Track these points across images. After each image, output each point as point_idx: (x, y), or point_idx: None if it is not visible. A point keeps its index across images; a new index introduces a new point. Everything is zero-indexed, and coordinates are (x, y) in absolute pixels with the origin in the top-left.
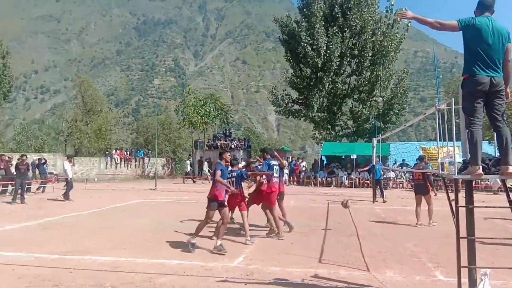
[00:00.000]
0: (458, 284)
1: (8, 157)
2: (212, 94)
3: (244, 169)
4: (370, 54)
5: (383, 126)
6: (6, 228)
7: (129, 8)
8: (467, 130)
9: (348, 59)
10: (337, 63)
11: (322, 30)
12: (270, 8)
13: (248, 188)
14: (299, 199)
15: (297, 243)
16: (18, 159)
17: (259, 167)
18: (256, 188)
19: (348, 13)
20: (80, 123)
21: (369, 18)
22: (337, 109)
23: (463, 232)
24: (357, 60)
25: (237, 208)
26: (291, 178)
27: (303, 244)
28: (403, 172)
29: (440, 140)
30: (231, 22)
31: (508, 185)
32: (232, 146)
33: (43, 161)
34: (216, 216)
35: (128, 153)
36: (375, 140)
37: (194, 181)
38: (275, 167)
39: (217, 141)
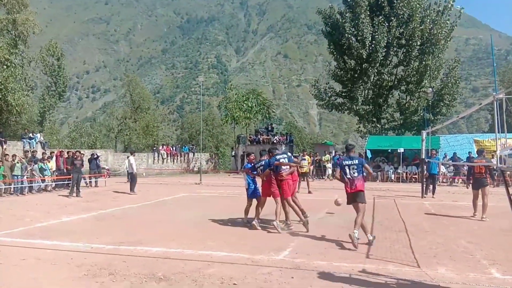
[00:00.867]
0: None
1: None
2: (254, 90)
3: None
4: (418, 43)
5: (433, 118)
6: (64, 220)
7: (173, 7)
8: None
9: (394, 49)
10: (383, 53)
11: (367, 20)
12: (312, 0)
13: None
14: (343, 194)
15: (344, 238)
16: (72, 155)
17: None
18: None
19: (395, 1)
20: (129, 120)
21: (417, 5)
22: (383, 101)
23: None
24: (405, 50)
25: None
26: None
27: (349, 239)
28: (459, 166)
29: (498, 132)
30: (273, 17)
31: None
32: (274, 141)
33: (95, 156)
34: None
35: (174, 148)
36: (424, 133)
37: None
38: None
39: (259, 136)
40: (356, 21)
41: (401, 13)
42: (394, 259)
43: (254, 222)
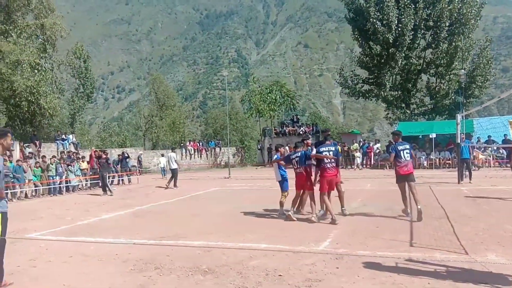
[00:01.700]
0: None
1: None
2: (277, 81)
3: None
4: (447, 24)
5: (465, 101)
6: (103, 217)
7: (192, 4)
8: None
9: (422, 31)
10: (411, 37)
11: (393, 3)
12: None
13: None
14: (375, 182)
15: (383, 227)
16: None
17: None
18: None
19: None
20: (156, 118)
21: None
22: (412, 86)
23: None
24: (433, 32)
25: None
26: (364, 161)
27: (389, 228)
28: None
29: None
30: (291, 7)
31: None
32: (300, 132)
33: (126, 155)
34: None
35: (200, 144)
36: (459, 116)
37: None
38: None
39: (284, 128)
40: (381, 5)
41: None
42: (439, 247)
43: (290, 213)
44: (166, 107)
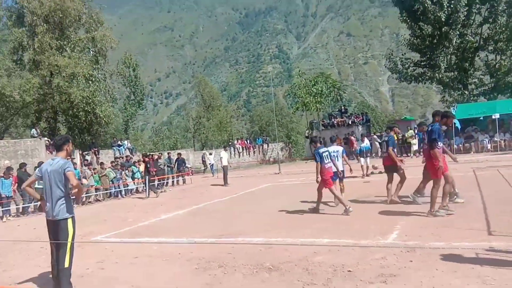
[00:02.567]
0: None
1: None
2: (322, 73)
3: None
4: None
5: None
6: (163, 218)
7: (231, 5)
8: None
9: (477, 6)
10: (465, 13)
11: None
12: None
13: None
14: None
15: (455, 216)
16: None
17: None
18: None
19: None
20: (203, 119)
21: None
22: (469, 66)
23: None
24: (489, 6)
25: None
26: (421, 148)
27: (462, 217)
28: None
29: None
30: None
31: None
32: (350, 122)
33: (180, 157)
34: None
35: (248, 142)
36: None
37: None
38: (324, 154)
39: (333, 120)
40: None
41: None
42: None
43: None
44: (212, 108)
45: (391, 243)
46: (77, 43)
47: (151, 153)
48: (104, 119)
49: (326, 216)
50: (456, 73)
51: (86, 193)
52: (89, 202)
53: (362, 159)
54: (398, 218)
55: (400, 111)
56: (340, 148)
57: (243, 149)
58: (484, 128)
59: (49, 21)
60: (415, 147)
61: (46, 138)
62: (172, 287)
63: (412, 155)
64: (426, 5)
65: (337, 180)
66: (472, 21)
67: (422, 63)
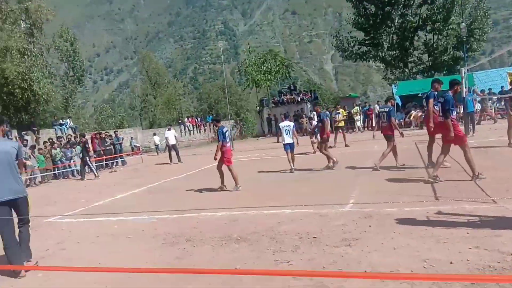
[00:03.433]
0: None
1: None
2: (271, 50)
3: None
4: None
5: (463, 55)
6: (118, 197)
7: None
8: None
9: None
10: None
11: None
12: None
13: None
14: (382, 144)
15: (403, 185)
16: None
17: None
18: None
19: None
20: (150, 96)
21: None
22: (409, 45)
23: None
24: None
25: None
26: (365, 123)
27: (410, 185)
28: (494, 101)
29: None
30: None
31: None
32: (299, 99)
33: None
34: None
35: (198, 119)
36: (464, 70)
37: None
38: (226, 133)
39: (283, 97)
40: None
41: None
42: (466, 198)
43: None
44: (158, 85)
45: (348, 211)
46: (9, 15)
47: (98, 132)
48: (43, 96)
49: (285, 190)
50: (397, 52)
51: (30, 175)
52: (35, 184)
53: (314, 136)
54: (351, 188)
55: (344, 89)
56: (291, 123)
57: (193, 127)
58: (422, 104)
59: None
60: (358, 123)
61: None
62: (141, 262)
63: (357, 129)
64: None
65: (289, 150)
66: (412, 1)
67: (366, 42)
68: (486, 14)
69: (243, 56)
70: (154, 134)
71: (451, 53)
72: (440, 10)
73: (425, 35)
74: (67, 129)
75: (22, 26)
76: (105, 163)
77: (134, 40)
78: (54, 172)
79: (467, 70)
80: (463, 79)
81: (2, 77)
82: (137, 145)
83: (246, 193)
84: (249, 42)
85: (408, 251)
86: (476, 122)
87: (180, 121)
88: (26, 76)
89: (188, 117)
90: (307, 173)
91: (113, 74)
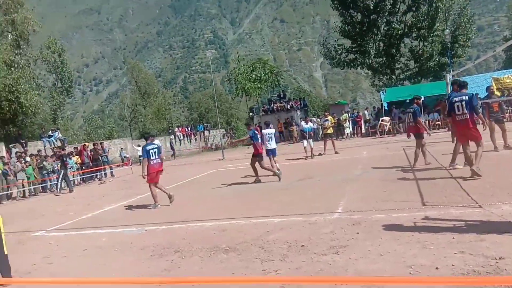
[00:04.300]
0: None
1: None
2: (260, 58)
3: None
4: None
5: (448, 62)
6: (106, 209)
7: None
8: None
9: None
10: (391, 1)
11: None
12: None
13: None
14: (371, 149)
15: (391, 190)
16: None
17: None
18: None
19: None
20: (140, 106)
21: None
22: (395, 52)
23: None
24: None
25: None
26: (354, 130)
27: (397, 191)
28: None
29: None
30: None
31: None
32: (288, 107)
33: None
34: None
35: (189, 129)
36: (449, 76)
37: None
38: (151, 151)
39: (272, 105)
40: None
41: None
42: (452, 203)
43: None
44: (148, 95)
45: (337, 218)
46: None
47: (84, 143)
48: (30, 108)
49: (274, 198)
50: (384, 58)
51: (17, 188)
52: (22, 197)
53: (305, 141)
54: (340, 195)
55: (333, 96)
56: (273, 130)
57: (184, 137)
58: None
59: None
60: (348, 130)
61: None
62: (129, 275)
63: (346, 137)
64: None
65: (271, 156)
66: (397, 9)
67: (354, 49)
68: (470, 20)
69: (233, 64)
70: (139, 146)
71: (437, 59)
72: (425, 17)
73: (411, 42)
74: (56, 140)
75: (8, 38)
76: (96, 175)
77: (123, 50)
78: (43, 185)
79: (453, 76)
80: (448, 85)
81: None
82: (127, 155)
83: (236, 203)
84: (238, 51)
85: (394, 257)
86: None
87: (170, 130)
88: (13, 88)
89: (178, 127)
90: (296, 181)
91: (102, 84)
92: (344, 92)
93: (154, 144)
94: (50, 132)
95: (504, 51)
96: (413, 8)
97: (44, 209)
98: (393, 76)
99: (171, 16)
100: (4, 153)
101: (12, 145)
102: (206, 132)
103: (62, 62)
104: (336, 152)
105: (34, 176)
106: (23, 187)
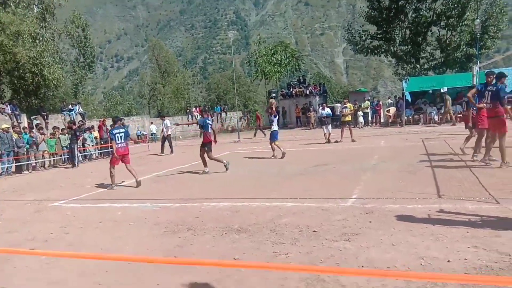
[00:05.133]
0: None
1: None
2: (282, 41)
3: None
4: None
5: (476, 53)
6: (123, 184)
7: None
8: None
9: None
10: None
11: None
12: None
13: None
14: (389, 139)
15: (407, 182)
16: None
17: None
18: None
19: None
20: (159, 85)
21: None
22: (422, 40)
23: None
24: None
25: None
26: (374, 119)
27: (414, 182)
28: None
29: None
30: None
31: None
32: (308, 93)
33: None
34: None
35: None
36: (475, 68)
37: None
38: (117, 135)
39: (291, 89)
40: None
41: None
42: (469, 197)
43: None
44: (168, 73)
45: (350, 206)
46: None
47: (103, 118)
48: (53, 81)
49: (288, 183)
50: (409, 47)
51: (37, 158)
52: (42, 167)
53: (324, 128)
54: (355, 184)
55: (354, 83)
56: (275, 118)
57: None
58: (432, 101)
59: None
60: (361, 119)
61: None
62: (142, 249)
63: (360, 126)
64: None
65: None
66: None
67: (379, 36)
68: (502, 11)
69: (254, 47)
70: (152, 123)
71: (464, 49)
72: (455, 5)
73: (439, 31)
74: (76, 115)
75: (34, 11)
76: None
77: (145, 27)
78: (63, 157)
79: (480, 68)
80: (474, 77)
81: (13, 61)
82: (144, 133)
83: (249, 185)
84: (260, 33)
85: (406, 248)
86: None
87: (187, 110)
88: (37, 61)
89: (196, 107)
90: (312, 167)
91: (123, 61)
92: (365, 79)
93: (122, 128)
94: (70, 106)
95: None
96: None
97: (63, 180)
98: (418, 65)
99: None
100: (26, 125)
101: (33, 117)
102: (223, 114)
103: (85, 37)
104: (353, 140)
105: (55, 148)
106: (43, 157)
